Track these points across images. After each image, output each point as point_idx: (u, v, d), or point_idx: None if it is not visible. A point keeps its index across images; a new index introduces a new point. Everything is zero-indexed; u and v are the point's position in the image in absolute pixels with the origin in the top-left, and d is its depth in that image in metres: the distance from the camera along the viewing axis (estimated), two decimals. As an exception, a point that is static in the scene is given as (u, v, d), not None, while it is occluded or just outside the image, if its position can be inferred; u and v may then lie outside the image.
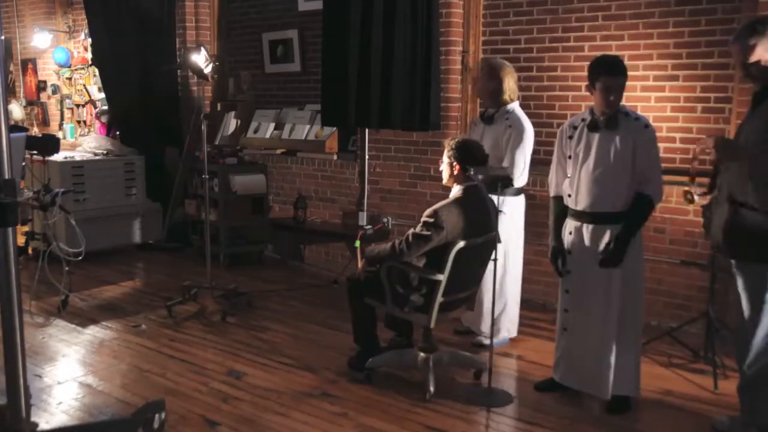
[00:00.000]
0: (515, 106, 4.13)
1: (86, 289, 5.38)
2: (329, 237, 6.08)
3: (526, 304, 4.63)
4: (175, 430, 3.10)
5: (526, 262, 4.39)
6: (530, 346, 4.23)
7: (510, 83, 4.11)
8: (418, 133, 5.33)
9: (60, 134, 8.18)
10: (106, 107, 7.48)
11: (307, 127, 6.23)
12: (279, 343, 4.29)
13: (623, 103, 3.31)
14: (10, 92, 8.42)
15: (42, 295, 4.96)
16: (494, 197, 3.55)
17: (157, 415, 2.73)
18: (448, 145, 3.58)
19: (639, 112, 3.40)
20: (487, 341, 4.07)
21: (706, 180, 3.29)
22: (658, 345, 4.11)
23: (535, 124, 5.11)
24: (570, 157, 3.36)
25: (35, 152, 5.48)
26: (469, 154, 3.51)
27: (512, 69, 4.19)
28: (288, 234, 6.31)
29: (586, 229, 3.32)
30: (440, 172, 3.69)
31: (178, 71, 6.87)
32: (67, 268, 4.70)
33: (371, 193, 5.76)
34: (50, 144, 5.46)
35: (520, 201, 4.19)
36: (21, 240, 5.97)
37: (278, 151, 6.48)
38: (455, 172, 3.54)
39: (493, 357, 3.53)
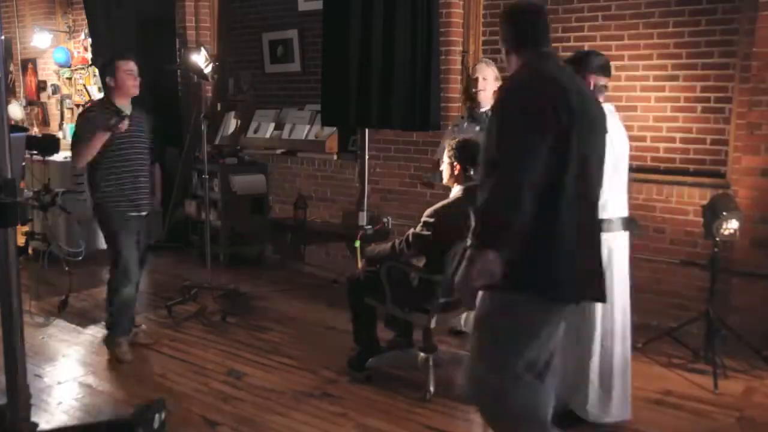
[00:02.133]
0: None
1: (86, 289, 5.37)
2: (329, 237, 6.08)
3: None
4: (175, 430, 3.10)
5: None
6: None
7: None
8: (418, 133, 5.33)
9: (60, 134, 8.17)
10: (106, 107, 7.47)
11: (307, 127, 6.22)
12: (279, 343, 4.29)
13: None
14: (10, 92, 8.42)
15: (42, 295, 4.95)
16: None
17: (157, 415, 2.74)
18: (449, 145, 3.58)
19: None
20: None
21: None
22: (658, 345, 4.11)
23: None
24: None
25: (35, 152, 5.48)
26: (469, 154, 3.51)
27: None
28: (288, 234, 6.31)
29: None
30: (440, 172, 3.69)
31: (178, 71, 6.87)
32: (67, 268, 4.70)
33: (371, 193, 5.75)
34: (50, 144, 5.46)
35: None
36: (21, 240, 5.96)
37: (278, 151, 6.47)
38: (455, 172, 3.54)
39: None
